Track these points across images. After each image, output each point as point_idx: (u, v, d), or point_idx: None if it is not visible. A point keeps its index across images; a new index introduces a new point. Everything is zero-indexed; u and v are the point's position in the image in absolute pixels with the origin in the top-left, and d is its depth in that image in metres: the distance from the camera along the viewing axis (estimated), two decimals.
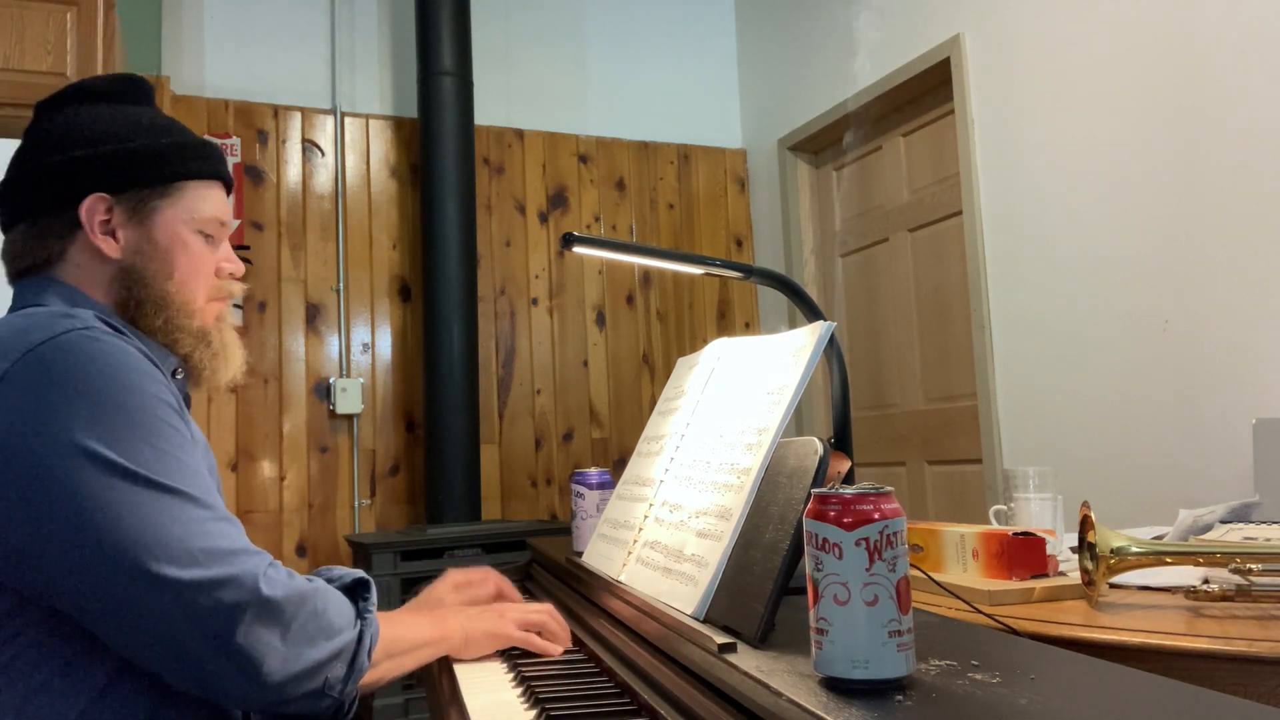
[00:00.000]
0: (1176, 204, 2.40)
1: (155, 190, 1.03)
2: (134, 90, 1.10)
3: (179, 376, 1.05)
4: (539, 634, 1.11)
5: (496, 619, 1.11)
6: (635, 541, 1.11)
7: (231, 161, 3.37)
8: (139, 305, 1.02)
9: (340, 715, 0.92)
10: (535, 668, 1.06)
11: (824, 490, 0.67)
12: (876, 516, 0.64)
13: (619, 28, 4.14)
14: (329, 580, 0.97)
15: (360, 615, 0.94)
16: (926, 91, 3.32)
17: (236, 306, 3.30)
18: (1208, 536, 1.38)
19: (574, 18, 4.08)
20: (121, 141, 1.02)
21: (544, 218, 3.92)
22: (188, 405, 1.07)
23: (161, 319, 1.02)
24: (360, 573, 1.00)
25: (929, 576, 1.20)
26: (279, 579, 0.87)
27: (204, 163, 1.07)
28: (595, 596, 1.17)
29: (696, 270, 1.43)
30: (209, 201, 1.07)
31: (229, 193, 1.13)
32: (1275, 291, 2.19)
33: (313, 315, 3.51)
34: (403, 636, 1.01)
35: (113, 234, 1.01)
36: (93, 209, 1.00)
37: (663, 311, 4.08)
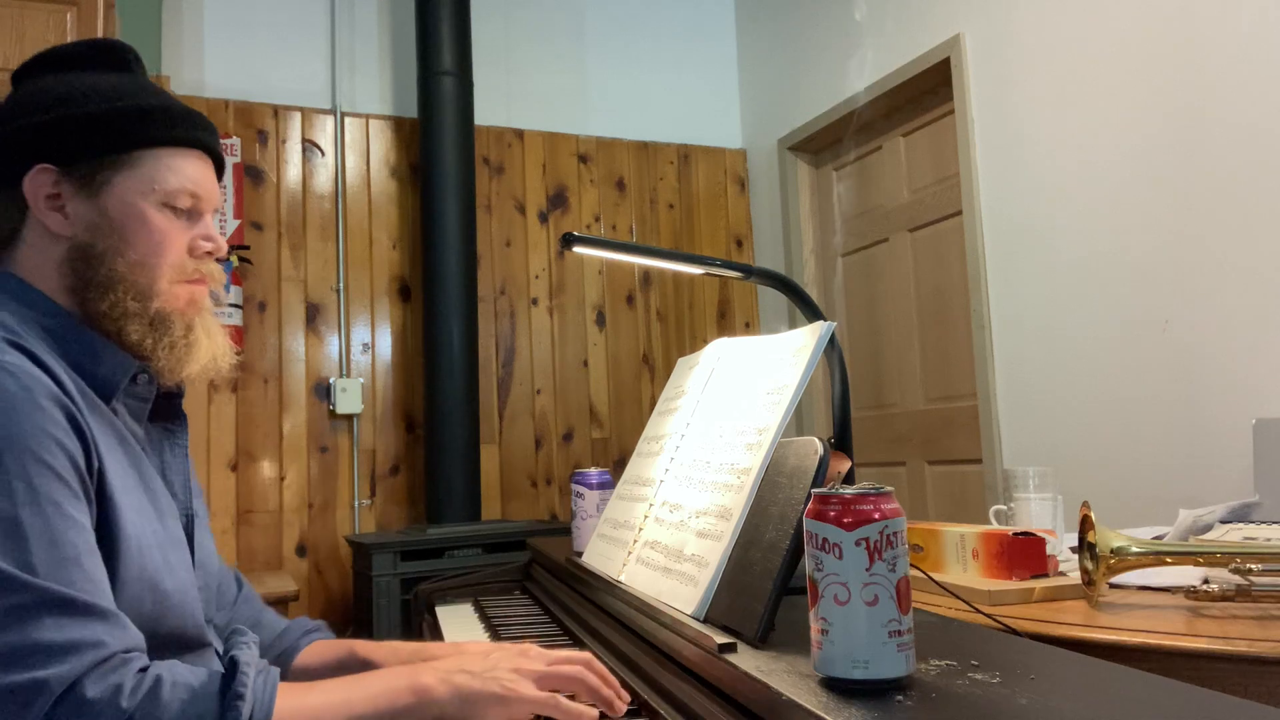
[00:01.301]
0: (1177, 203, 2.40)
1: (109, 160, 0.92)
2: (106, 56, 0.99)
3: (140, 382, 0.95)
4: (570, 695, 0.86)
5: (510, 674, 0.85)
6: (635, 541, 1.10)
7: (231, 161, 3.36)
8: (86, 287, 0.91)
9: None
10: None
11: (824, 490, 0.67)
12: (876, 516, 0.65)
13: (619, 28, 4.14)
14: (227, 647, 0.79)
15: (226, 706, 0.74)
16: (926, 91, 3.32)
17: (236, 306, 3.30)
18: (1208, 536, 1.38)
19: (574, 18, 4.08)
20: (70, 108, 0.92)
21: (544, 218, 3.92)
22: (170, 400, 0.99)
23: (107, 302, 0.91)
24: (240, 648, 0.80)
25: (929, 576, 1.20)
26: (100, 684, 0.71)
27: (170, 128, 0.95)
28: (595, 596, 1.17)
29: (696, 270, 1.43)
30: (177, 171, 0.94)
31: (218, 165, 1.01)
32: (1275, 291, 2.19)
33: (313, 315, 3.51)
34: (330, 707, 0.79)
35: (61, 209, 0.92)
36: (36, 182, 0.91)
37: (663, 311, 4.08)
